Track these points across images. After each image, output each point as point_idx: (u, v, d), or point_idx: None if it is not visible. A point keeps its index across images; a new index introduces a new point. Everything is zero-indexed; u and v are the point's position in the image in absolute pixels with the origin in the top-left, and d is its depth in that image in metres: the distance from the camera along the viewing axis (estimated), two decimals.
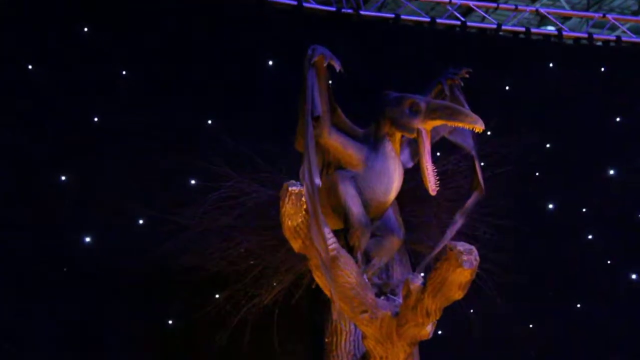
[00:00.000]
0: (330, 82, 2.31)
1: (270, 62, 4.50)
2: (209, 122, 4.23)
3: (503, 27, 5.09)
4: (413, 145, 2.52)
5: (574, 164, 4.76)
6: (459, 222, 2.55)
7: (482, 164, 2.66)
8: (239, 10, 4.50)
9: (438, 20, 4.98)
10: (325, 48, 2.25)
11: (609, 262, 4.75)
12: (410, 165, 2.55)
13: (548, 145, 4.79)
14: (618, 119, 5.04)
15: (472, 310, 3.92)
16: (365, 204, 2.36)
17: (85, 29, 4.20)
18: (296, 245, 2.26)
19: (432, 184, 2.30)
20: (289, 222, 2.19)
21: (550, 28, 5.44)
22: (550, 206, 4.75)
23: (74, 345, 3.79)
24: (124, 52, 4.21)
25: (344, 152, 2.39)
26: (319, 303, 3.60)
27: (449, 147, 3.09)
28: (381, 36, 4.81)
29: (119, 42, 4.20)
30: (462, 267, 2.09)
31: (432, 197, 2.49)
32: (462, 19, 5.10)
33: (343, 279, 2.26)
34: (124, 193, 3.89)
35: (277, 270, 3.60)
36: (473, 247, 2.13)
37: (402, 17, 4.91)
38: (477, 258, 2.12)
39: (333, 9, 4.78)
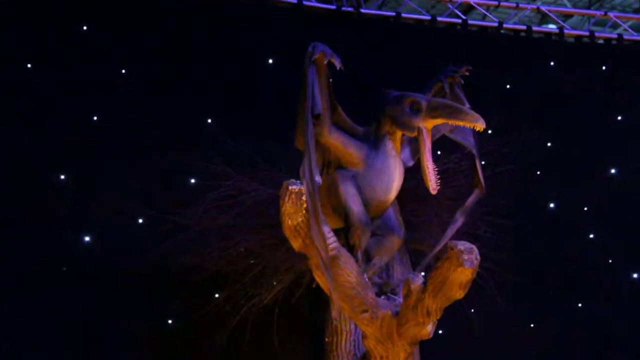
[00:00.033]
0: (330, 80, 2.30)
1: (270, 61, 4.49)
2: (209, 120, 4.22)
3: (504, 25, 5.07)
4: (413, 144, 2.52)
5: (574, 162, 4.75)
6: (459, 220, 2.54)
7: (483, 162, 2.66)
8: (239, 10, 4.49)
9: (439, 19, 4.96)
10: (326, 46, 2.24)
11: (610, 261, 4.74)
12: (410, 163, 2.55)
13: (549, 144, 4.78)
14: (619, 118, 5.02)
15: (472, 310, 3.91)
16: (366, 203, 2.36)
17: (86, 29, 4.20)
18: (296, 244, 2.26)
19: (432, 183, 2.30)
20: (289, 221, 2.18)
21: (552, 26, 5.42)
22: (551, 205, 4.74)
23: (73, 345, 3.79)
24: (124, 52, 4.21)
25: (344, 150, 2.39)
26: (319, 302, 3.59)
27: (450, 146, 3.09)
28: (381, 34, 4.79)
29: (119, 42, 4.20)
30: (463, 266, 2.08)
31: (432, 196, 2.49)
32: (463, 17, 5.08)
33: (343, 278, 2.25)
34: (124, 193, 3.89)
35: (277, 270, 3.59)
36: (474, 246, 2.12)
37: (403, 15, 4.89)
38: (478, 257, 2.12)
39: (333, 7, 4.76)
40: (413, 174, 2.57)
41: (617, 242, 4.71)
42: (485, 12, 5.24)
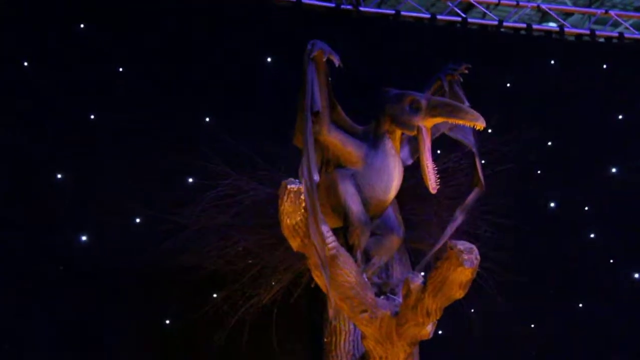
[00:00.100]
0: (329, 78, 2.29)
1: (270, 60, 4.49)
2: (207, 119, 4.21)
3: (504, 24, 5.06)
4: (413, 143, 2.51)
5: (575, 161, 4.73)
6: (459, 218, 2.53)
7: (483, 161, 2.65)
8: (239, 10, 4.48)
9: (438, 17, 4.94)
10: (325, 43, 2.23)
11: (611, 260, 4.72)
12: (409, 162, 2.54)
13: (549, 143, 4.76)
14: (620, 117, 5.00)
15: (472, 310, 3.90)
16: (365, 202, 2.35)
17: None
18: (295, 243, 2.25)
19: (432, 182, 2.29)
20: (288, 221, 2.18)
21: (552, 24, 5.40)
22: (552, 204, 4.72)
23: (72, 345, 3.79)
24: (124, 52, 4.20)
25: (343, 149, 2.38)
26: (318, 302, 3.59)
27: (450, 145, 3.08)
28: (381, 33, 4.77)
29: (119, 42, 4.19)
30: (463, 266, 2.07)
31: (432, 195, 2.47)
32: (463, 15, 5.07)
33: (342, 278, 2.24)
34: (124, 192, 3.88)
35: (276, 269, 3.58)
36: (474, 246, 2.11)
37: (402, 13, 4.87)
38: (478, 257, 2.11)
39: (332, 5, 4.75)
40: (412, 172, 2.56)
41: (617, 241, 4.70)
42: (485, 11, 5.23)
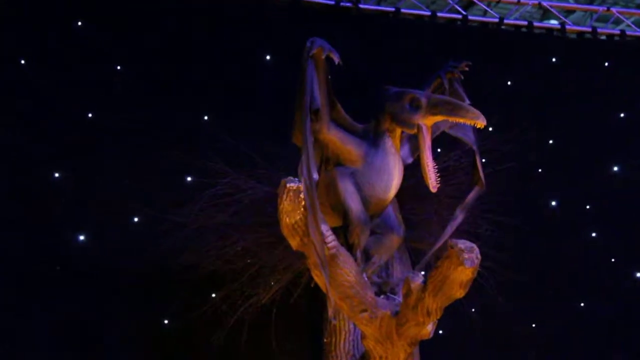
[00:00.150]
0: (329, 76, 2.28)
1: (269, 59, 4.48)
2: (205, 118, 4.21)
3: (505, 21, 5.03)
4: (413, 141, 2.50)
5: (576, 160, 4.71)
6: (459, 217, 2.53)
7: (483, 160, 2.63)
8: (239, 10, 4.48)
9: (439, 14, 4.92)
10: (324, 41, 2.22)
11: (612, 260, 4.70)
12: (410, 161, 2.53)
13: (550, 141, 4.74)
14: (622, 115, 4.98)
15: (473, 309, 3.88)
16: (365, 201, 2.34)
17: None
18: (294, 242, 2.24)
19: (432, 181, 2.28)
20: (287, 220, 2.17)
21: (553, 22, 5.37)
22: (552, 203, 4.70)
23: (71, 344, 3.78)
24: (124, 52, 4.20)
25: (343, 147, 2.37)
26: (318, 302, 3.57)
27: (450, 144, 3.07)
28: (381, 30, 4.75)
29: (119, 42, 4.19)
30: (464, 265, 2.06)
31: (432, 194, 2.46)
32: (464, 12, 5.04)
33: (342, 277, 2.23)
34: (123, 192, 3.88)
35: (275, 269, 3.57)
36: (474, 245, 2.10)
37: (402, 10, 4.84)
38: (479, 256, 2.10)
39: (332, 2, 4.73)
40: (412, 171, 2.55)
41: (619, 240, 4.67)
42: (486, 8, 5.20)
